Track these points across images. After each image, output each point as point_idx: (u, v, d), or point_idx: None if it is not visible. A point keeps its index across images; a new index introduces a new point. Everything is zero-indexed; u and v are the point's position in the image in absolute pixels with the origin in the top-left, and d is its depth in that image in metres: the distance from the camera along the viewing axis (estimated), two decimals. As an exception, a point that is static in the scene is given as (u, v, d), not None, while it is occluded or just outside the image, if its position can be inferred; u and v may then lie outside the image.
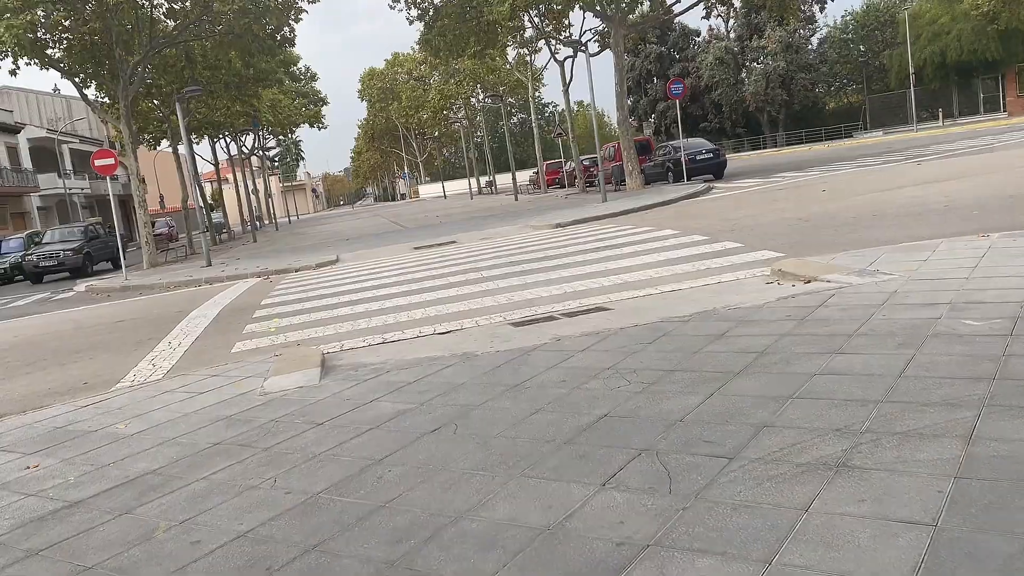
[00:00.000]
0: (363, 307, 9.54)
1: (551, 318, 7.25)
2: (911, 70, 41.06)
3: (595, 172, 32.76)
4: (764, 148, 51.41)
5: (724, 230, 11.55)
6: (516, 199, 34.77)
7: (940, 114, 45.11)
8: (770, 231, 10.85)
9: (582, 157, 33.89)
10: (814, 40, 51.72)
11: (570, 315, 7.24)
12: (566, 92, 31.65)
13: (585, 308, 7.48)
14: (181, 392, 6.16)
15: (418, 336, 7.37)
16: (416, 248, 17.26)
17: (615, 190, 27.81)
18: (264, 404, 5.42)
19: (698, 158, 25.91)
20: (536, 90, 40.05)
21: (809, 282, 6.86)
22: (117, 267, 25.11)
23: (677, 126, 56.38)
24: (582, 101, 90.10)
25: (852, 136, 50.14)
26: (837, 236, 9.64)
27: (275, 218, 49.46)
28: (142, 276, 20.26)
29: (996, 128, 32.20)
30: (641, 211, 18.19)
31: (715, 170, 26.44)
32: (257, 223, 54.30)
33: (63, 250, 25.23)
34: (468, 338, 6.84)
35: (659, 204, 18.82)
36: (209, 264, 20.30)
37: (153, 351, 8.68)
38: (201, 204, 25.82)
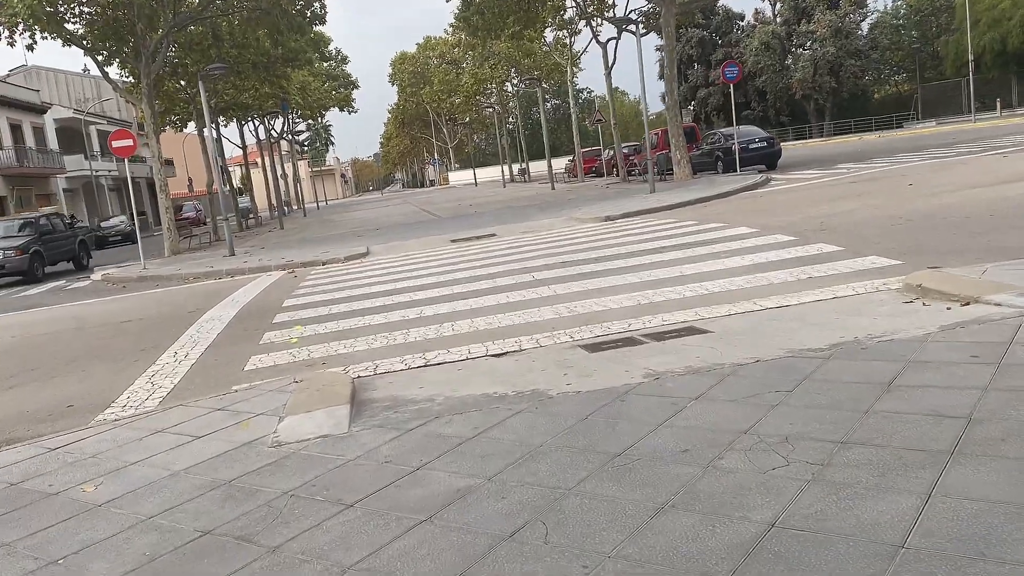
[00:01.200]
0: (399, 314, 8.22)
1: (632, 340, 5.87)
2: (970, 57, 38.83)
3: (636, 161, 31.24)
4: (810, 138, 49.27)
5: (811, 229, 10.05)
6: (553, 188, 33.30)
7: (998, 104, 42.78)
8: (868, 232, 9.34)
9: (623, 145, 32.25)
10: (864, 26, 49.42)
11: (657, 337, 5.86)
12: (608, 75, 30.03)
13: (673, 328, 6.09)
14: (174, 434, 4.87)
15: (468, 358, 6.04)
16: (453, 241, 15.92)
17: (661, 180, 26.21)
18: (276, 463, 4.11)
19: (751, 147, 24.27)
20: (574, 75, 38.46)
21: (967, 304, 5.40)
22: (81, 267, 22.82)
23: (719, 114, 54.51)
24: (617, 87, 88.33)
25: (903, 127, 47.91)
26: (959, 240, 8.12)
27: (303, 204, 48.37)
28: (161, 265, 19.16)
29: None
30: (698, 204, 16.68)
31: (769, 160, 24.80)
32: (285, 209, 53.43)
33: (3, 249, 19.95)
34: (533, 366, 5.49)
35: (716, 196, 17.29)
36: (232, 254, 19.14)
37: (156, 363, 7.43)
38: (226, 189, 24.63)
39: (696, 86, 52.79)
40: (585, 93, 71.51)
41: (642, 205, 17.19)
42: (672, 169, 25.20)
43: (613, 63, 30.04)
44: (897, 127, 47.86)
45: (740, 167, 24.78)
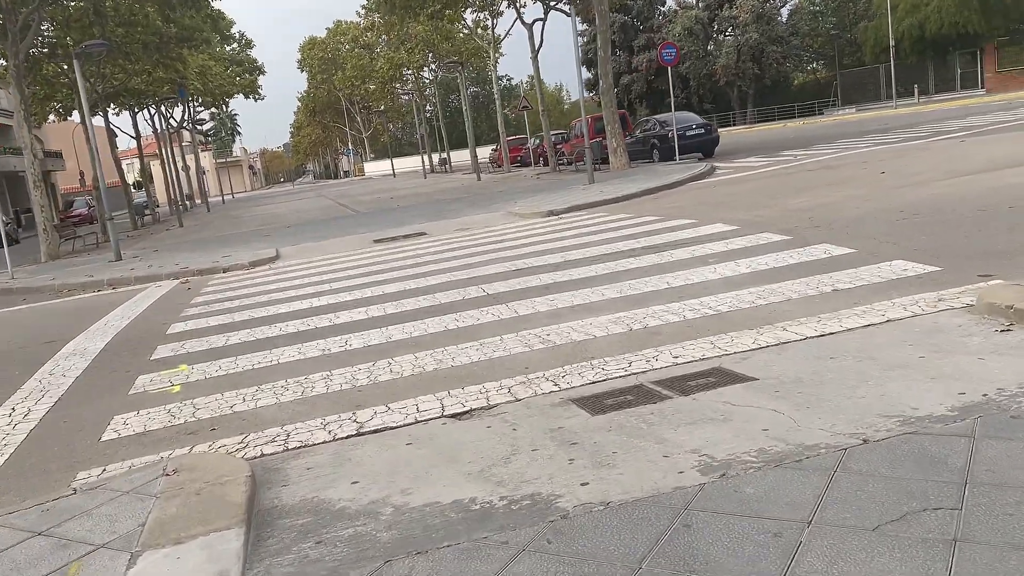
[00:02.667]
0: (317, 346, 6.40)
1: (646, 392, 4.28)
2: (891, 43, 38.94)
3: (564, 150, 29.78)
4: (734, 125, 48.96)
5: (802, 226, 8.67)
6: (479, 179, 31.56)
7: (916, 91, 43.27)
8: (872, 229, 8.02)
9: (551, 132, 30.71)
10: (784, 12, 49.34)
11: (679, 387, 4.28)
12: (535, 59, 28.39)
13: (695, 371, 4.53)
14: (-51, 597, 2.99)
15: (417, 420, 4.34)
16: (377, 241, 14.04)
17: (595, 170, 24.81)
18: None
19: (688, 134, 23.11)
20: (496, 59, 36.71)
21: (1101, 336, 4.00)
22: None
23: (642, 101, 53.70)
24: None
25: (823, 113, 48.09)
26: (996, 239, 6.83)
27: (207, 198, 45.13)
28: (34, 273, 16.56)
29: (984, 106, 30.17)
30: (646, 196, 15.27)
31: (706, 147, 23.71)
32: (187, 203, 49.92)
33: None
34: (516, 440, 3.83)
35: (664, 187, 15.93)
36: (119, 258, 16.70)
37: (-20, 429, 5.41)
38: (117, 184, 21.91)
39: (619, 72, 51.66)
40: (505, 80, 69.82)
41: (585, 198, 15.67)
42: (607, 158, 23.82)
43: (540, 45, 28.43)
44: (819, 114, 48.03)
45: (672, 156, 23.63)
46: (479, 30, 36.89)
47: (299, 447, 4.20)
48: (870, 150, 17.81)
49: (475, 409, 4.41)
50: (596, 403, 4.24)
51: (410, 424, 4.32)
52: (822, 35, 50.99)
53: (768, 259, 7.23)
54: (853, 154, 17.35)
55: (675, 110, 23.87)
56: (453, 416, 4.35)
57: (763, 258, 7.30)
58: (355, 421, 4.47)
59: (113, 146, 34.26)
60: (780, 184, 13.61)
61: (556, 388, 4.57)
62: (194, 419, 4.97)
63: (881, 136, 21.67)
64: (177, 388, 5.75)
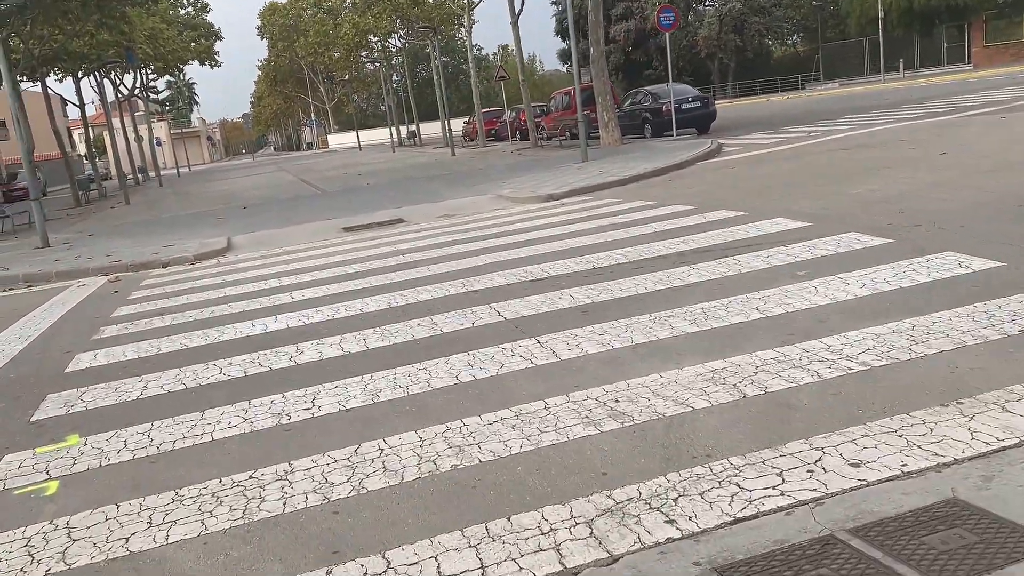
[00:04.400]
0: (270, 408, 4.43)
1: (853, 562, 2.40)
2: (880, 13, 37.32)
3: (544, 124, 27.71)
4: (715, 99, 46.97)
5: (897, 224, 6.83)
6: (453, 153, 29.38)
7: (901, 65, 41.82)
8: (1001, 228, 6.21)
9: (532, 104, 28.55)
10: (764, -19, 47.37)
11: (906, 548, 2.42)
12: (515, 25, 26.18)
13: (911, 503, 2.68)
14: None
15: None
16: (348, 229, 12.00)
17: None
18: None
19: (683, 107, 21.22)
20: (471, 24, 34.39)
21: None
22: None
23: (618, 74, 51.52)
24: (507, 45, 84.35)
25: (805, 88, 46.49)
26: None
27: (159, 172, 42.23)
28: (-57, 263, 14.18)
29: (984, 80, 28.73)
30: (654, 177, 13.40)
31: (702, 122, 21.90)
32: (139, 176, 46.90)
33: None
34: None
35: (672, 167, 14.06)
36: (45, 244, 14.41)
37: None
38: (59, 156, 19.39)
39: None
40: (476, 51, 67.09)
41: (586, 179, 13.73)
42: (594, 133, 21.86)
43: (521, 9, 26.28)
44: (800, 88, 46.42)
45: (667, 130, 21.79)
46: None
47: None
48: (893, 127, 16.09)
49: (545, 579, 2.52)
50: (768, 582, 2.36)
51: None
52: (804, 6, 49.25)
53: (884, 273, 5.39)
54: (879, 131, 15.61)
55: (646, 84, 21.98)
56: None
57: (875, 272, 5.45)
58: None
59: (54, 115, 31.38)
60: (812, 165, 11.80)
61: (677, 533, 2.69)
62: (64, 567, 3.00)
63: (892, 111, 19.99)
64: (53, 488, 3.76)
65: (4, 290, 10.64)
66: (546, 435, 3.58)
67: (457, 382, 4.44)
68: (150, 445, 4.10)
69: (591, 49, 20.23)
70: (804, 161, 12.57)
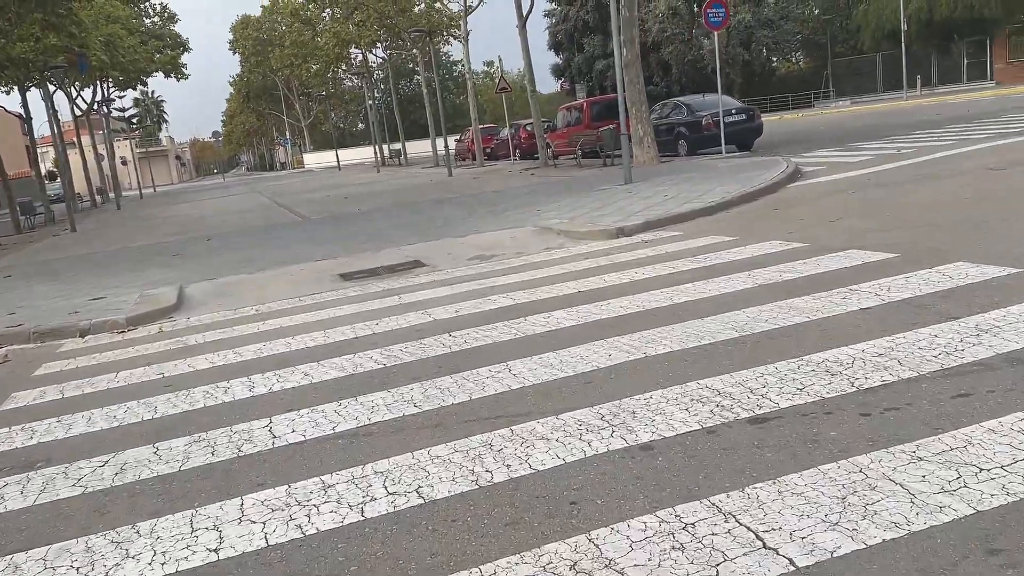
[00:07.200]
0: None
1: None
2: (903, 26, 34.86)
3: (552, 140, 24.62)
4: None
5: None
6: (450, 174, 26.15)
7: (918, 82, 39.43)
8: None
9: (536, 122, 25.41)
10: (771, -5, 44.90)
11: None
12: (522, 29, 23.14)
13: None
14: None
15: None
16: (346, 277, 8.74)
17: (607, 164, 19.86)
18: None
19: (726, 121, 18.23)
20: (466, 33, 31.35)
21: None
22: None
23: (615, 88, 48.44)
24: (492, 62, 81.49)
25: (814, 106, 43.98)
26: None
27: (118, 193, 38.49)
28: None
29: (1015, 97, 26.20)
30: (743, 204, 10.33)
31: (746, 138, 18.95)
32: (98, 198, 43.14)
33: None
34: None
35: (759, 192, 10.99)
36: (-58, 292, 10.96)
37: None
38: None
39: (593, 57, 46.52)
40: (460, 67, 64.08)
41: (653, 207, 10.60)
42: (621, 150, 18.75)
43: (530, 11, 23.28)
44: (808, 106, 43.91)
45: (705, 148, 18.85)
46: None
47: None
48: (1003, 143, 13.19)
49: None
50: None
51: None
52: (811, 20, 46.87)
53: None
54: (977, 150, 12.69)
55: (702, 94, 19.09)
56: None
57: None
58: None
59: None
60: (974, 192, 8.76)
61: None
62: None
63: (971, 127, 17.16)
64: None
65: None
66: None
67: None
68: None
69: (623, 51, 17.15)
70: (948, 186, 9.55)
